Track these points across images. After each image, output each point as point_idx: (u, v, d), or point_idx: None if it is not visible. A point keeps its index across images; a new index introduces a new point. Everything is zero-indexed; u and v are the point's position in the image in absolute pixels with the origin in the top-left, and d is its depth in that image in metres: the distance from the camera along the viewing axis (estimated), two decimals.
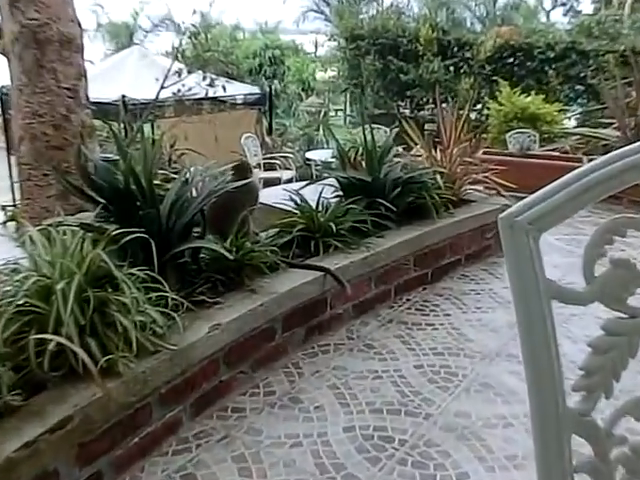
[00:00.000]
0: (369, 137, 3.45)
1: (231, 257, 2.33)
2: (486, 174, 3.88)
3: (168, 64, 6.17)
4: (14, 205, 4.74)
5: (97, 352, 1.70)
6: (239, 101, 9.40)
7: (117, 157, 2.79)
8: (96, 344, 1.72)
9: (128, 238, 2.05)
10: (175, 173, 3.29)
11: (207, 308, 2.21)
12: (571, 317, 2.68)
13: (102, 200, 2.32)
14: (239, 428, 2.05)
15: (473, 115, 8.33)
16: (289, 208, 3.10)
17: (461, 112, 4.21)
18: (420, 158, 4.03)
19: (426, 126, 7.96)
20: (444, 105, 7.73)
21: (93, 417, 1.67)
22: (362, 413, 2.13)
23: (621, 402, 0.78)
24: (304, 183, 3.52)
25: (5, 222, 4.59)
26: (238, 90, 9.51)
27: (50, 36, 3.31)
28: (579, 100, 9.12)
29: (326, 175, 3.71)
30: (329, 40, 12.42)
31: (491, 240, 3.64)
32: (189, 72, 6.21)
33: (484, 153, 5.16)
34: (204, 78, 6.52)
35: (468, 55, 9.41)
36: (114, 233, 2.02)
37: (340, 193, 3.38)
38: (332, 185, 3.42)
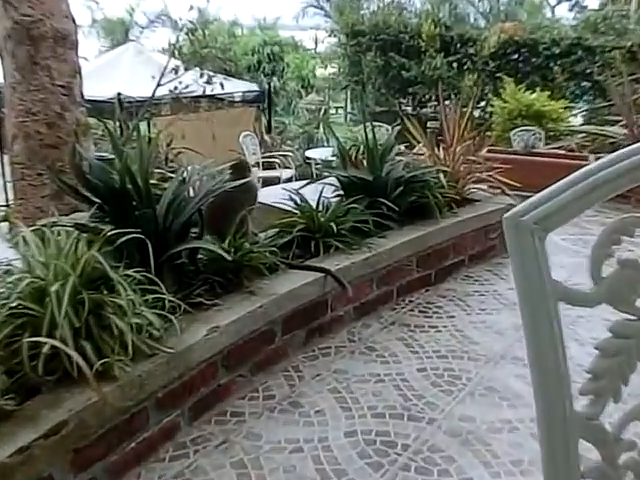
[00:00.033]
0: (370, 135, 3.45)
1: (229, 258, 2.33)
2: (490, 173, 3.88)
3: (165, 61, 6.17)
4: (7, 205, 4.74)
5: (92, 355, 1.70)
6: (237, 99, 9.40)
7: (112, 156, 2.79)
8: (91, 347, 1.72)
9: (124, 239, 2.05)
10: (172, 172, 3.28)
11: (205, 310, 2.21)
12: (578, 319, 2.68)
13: (97, 200, 2.33)
14: (238, 433, 2.04)
15: (477, 112, 8.32)
16: (289, 208, 3.09)
17: (464, 109, 4.20)
18: (422, 157, 4.04)
19: (429, 124, 7.98)
20: (447, 102, 7.73)
21: (88, 422, 1.67)
22: (364, 417, 2.12)
23: (630, 406, 0.78)
24: (304, 182, 3.52)
25: None
26: (236, 87, 9.51)
27: (44, 32, 3.31)
28: (585, 97, 9.12)
29: (326, 174, 3.70)
30: (329, 36, 12.42)
31: (495, 240, 3.64)
32: (186, 69, 6.21)
33: (488, 151, 5.16)
34: (201, 75, 6.51)
35: (471, 51, 9.41)
36: (110, 234, 2.02)
37: (341, 192, 3.38)
38: (333, 184, 3.42)
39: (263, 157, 8.65)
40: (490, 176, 3.88)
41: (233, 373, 2.24)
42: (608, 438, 0.77)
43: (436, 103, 9.38)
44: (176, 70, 5.97)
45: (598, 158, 0.81)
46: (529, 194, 0.79)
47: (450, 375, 2.41)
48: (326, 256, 2.80)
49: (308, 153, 9.14)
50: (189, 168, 2.78)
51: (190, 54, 6.73)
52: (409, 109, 10.04)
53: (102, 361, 1.70)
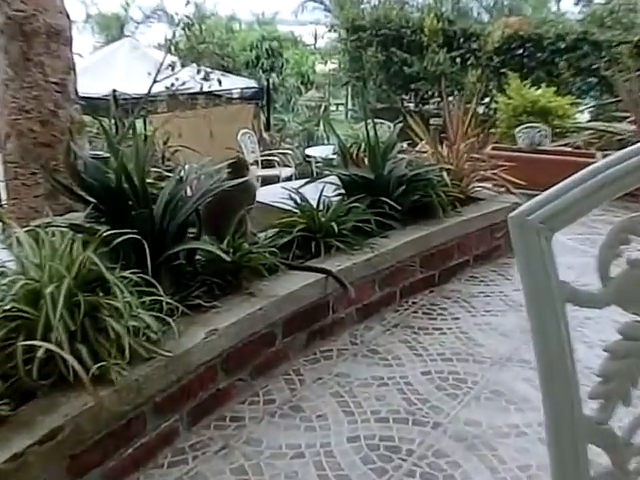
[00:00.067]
0: (372, 132, 3.45)
1: (228, 259, 2.33)
2: (495, 171, 3.88)
3: (161, 57, 6.18)
4: (0, 205, 4.75)
5: (88, 359, 1.70)
6: (235, 95, 9.41)
7: (108, 154, 2.79)
8: (87, 351, 1.72)
9: (120, 239, 2.05)
10: (169, 171, 3.29)
11: (203, 312, 2.21)
12: (586, 320, 2.67)
13: (92, 199, 2.33)
14: (238, 438, 2.04)
15: (481, 109, 8.33)
16: (288, 207, 3.10)
17: (468, 106, 4.21)
18: (425, 154, 4.03)
19: (431, 121, 7.97)
20: (450, 99, 7.73)
21: (84, 427, 1.67)
22: (367, 422, 2.12)
23: None
24: (304, 181, 3.52)
25: None
26: (234, 84, 9.52)
27: (37, 28, 3.31)
28: (592, 93, 9.12)
29: (327, 172, 3.70)
30: (329, 31, 12.41)
31: (501, 240, 3.64)
32: (183, 65, 6.22)
33: (493, 149, 5.16)
34: (198, 71, 6.52)
35: (475, 46, 9.41)
36: (105, 234, 2.02)
37: (342, 191, 3.38)
38: (333, 183, 3.42)
39: (262, 155, 8.65)
40: (495, 174, 3.88)
41: (233, 377, 2.24)
42: (618, 442, 0.77)
43: (439, 99, 9.38)
44: (172, 66, 5.98)
45: (605, 155, 0.81)
46: (535, 193, 0.79)
47: (455, 378, 2.41)
48: (327, 257, 2.80)
49: (308, 151, 9.14)
50: (186, 167, 2.78)
51: (187, 50, 6.74)
52: (411, 106, 10.03)
53: (98, 365, 1.70)
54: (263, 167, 8.43)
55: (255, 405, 2.23)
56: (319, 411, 2.19)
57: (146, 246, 2.07)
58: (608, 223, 0.78)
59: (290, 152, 9.06)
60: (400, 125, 3.97)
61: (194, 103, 8.24)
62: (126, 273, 1.96)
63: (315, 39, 17.11)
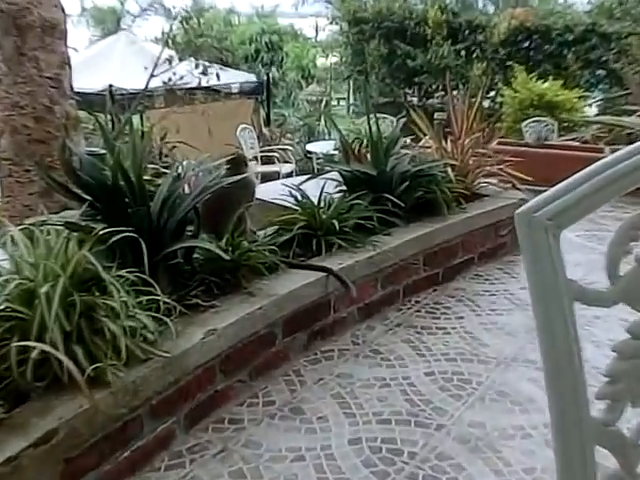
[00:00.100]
0: (374, 127, 3.44)
1: (227, 257, 2.33)
2: (501, 166, 3.88)
3: (158, 51, 6.18)
4: None
5: (84, 360, 1.70)
6: (234, 90, 9.42)
7: (104, 151, 2.79)
8: (83, 352, 1.72)
9: (116, 238, 2.05)
10: (166, 168, 3.29)
11: (202, 312, 2.21)
12: (594, 319, 2.67)
13: (88, 197, 2.33)
14: (236, 441, 2.05)
15: (486, 103, 8.32)
16: (289, 204, 3.10)
17: (473, 100, 4.20)
18: (429, 150, 4.03)
19: (436, 115, 7.93)
20: (455, 92, 7.71)
21: (80, 430, 1.67)
22: (369, 424, 2.12)
23: None
24: (305, 177, 3.52)
25: None
26: (233, 78, 9.53)
27: (31, 22, 3.31)
28: (600, 86, 9.11)
29: (328, 169, 3.70)
30: (330, 24, 12.41)
31: (507, 237, 3.63)
32: (180, 59, 6.23)
33: (498, 144, 5.15)
34: (196, 66, 6.52)
35: (480, 38, 9.41)
36: (101, 232, 2.02)
37: (343, 188, 3.37)
38: (335, 179, 3.41)
39: (261, 151, 8.65)
40: (500, 170, 3.87)
41: (231, 378, 2.24)
42: (626, 444, 0.77)
43: (443, 93, 9.37)
44: (170, 60, 5.98)
45: (614, 150, 0.81)
46: (542, 188, 0.78)
47: (459, 379, 2.41)
48: (328, 255, 2.80)
49: (309, 147, 9.15)
50: (184, 163, 2.78)
51: (184, 44, 6.75)
52: (415, 100, 10.04)
53: (94, 366, 1.70)
54: (263, 163, 8.43)
55: (254, 407, 2.23)
56: (320, 413, 2.19)
57: (143, 244, 2.06)
58: (617, 219, 0.78)
59: (290, 148, 9.07)
60: (403, 120, 3.97)
61: (192, 98, 8.26)
62: (123, 272, 1.96)
63: (316, 32, 17.10)
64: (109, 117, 5.49)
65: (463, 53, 9.50)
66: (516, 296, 3.15)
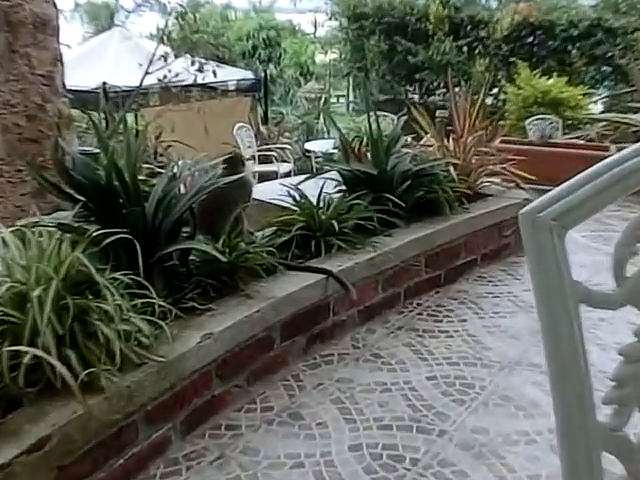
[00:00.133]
0: (374, 125, 3.45)
1: (224, 259, 2.33)
2: (504, 165, 3.88)
3: (153, 47, 6.18)
4: None
5: (77, 365, 1.70)
6: (231, 87, 9.41)
7: (97, 150, 2.79)
8: (76, 356, 1.71)
9: (110, 239, 2.05)
10: (161, 167, 3.29)
11: (198, 315, 2.21)
12: (600, 322, 2.67)
13: (81, 198, 2.33)
14: (234, 448, 2.04)
15: (489, 100, 8.33)
16: (287, 205, 3.10)
17: (476, 97, 4.20)
18: (431, 148, 4.03)
19: (437, 113, 7.96)
20: (457, 89, 7.72)
21: (73, 437, 1.67)
22: (369, 430, 2.12)
23: None
24: (303, 177, 3.52)
25: None
26: (230, 75, 9.52)
27: (23, 18, 3.31)
28: (606, 82, 9.13)
29: (327, 168, 3.70)
30: (329, 19, 12.43)
31: (510, 238, 3.64)
32: (176, 56, 6.22)
33: (501, 142, 5.16)
34: (192, 63, 6.52)
35: (483, 34, 9.42)
36: (95, 234, 2.02)
37: (343, 188, 3.38)
38: (334, 179, 3.42)
39: (259, 150, 8.66)
40: (504, 169, 3.87)
41: (228, 383, 2.24)
42: (633, 450, 0.77)
43: (445, 90, 9.39)
44: (165, 57, 5.98)
45: (620, 148, 0.81)
46: (546, 188, 0.78)
47: (462, 383, 2.41)
48: (328, 256, 2.80)
49: (307, 145, 9.16)
50: (180, 163, 2.78)
51: (180, 40, 6.74)
52: (416, 97, 10.05)
53: (87, 371, 1.70)
54: (260, 163, 8.44)
55: (252, 413, 2.23)
56: (319, 418, 2.19)
57: (138, 246, 2.06)
58: (624, 219, 0.78)
59: (289, 147, 9.07)
60: (404, 118, 3.97)
61: (188, 96, 8.25)
62: (117, 275, 1.96)
63: (315, 28, 17.10)
64: (103, 115, 5.50)
65: (465, 49, 9.52)
66: (520, 298, 3.15)
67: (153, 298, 1.99)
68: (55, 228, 2.09)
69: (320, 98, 12.64)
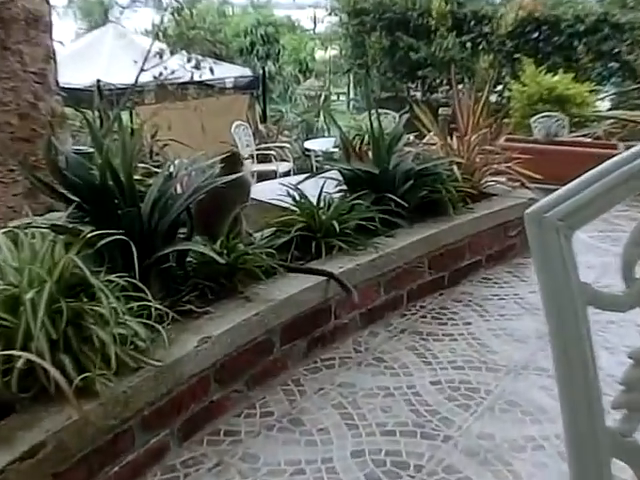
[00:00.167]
0: (376, 124, 3.45)
1: (222, 261, 2.33)
2: (509, 164, 3.88)
3: (148, 44, 6.19)
4: None
5: (71, 370, 1.70)
6: (229, 85, 9.43)
7: (92, 149, 2.79)
8: (70, 361, 1.72)
9: (105, 241, 2.05)
10: (157, 167, 3.29)
11: (195, 319, 2.21)
12: (608, 325, 2.67)
13: (75, 198, 2.33)
14: (233, 454, 2.04)
15: (493, 97, 8.34)
16: (286, 205, 3.10)
17: (480, 94, 4.20)
18: (434, 147, 4.04)
19: (440, 110, 7.96)
20: (460, 86, 7.73)
21: (68, 443, 1.67)
22: (372, 436, 2.12)
23: None
24: (303, 176, 3.52)
25: None
26: (227, 72, 9.54)
27: (15, 14, 3.31)
28: (613, 79, 9.13)
29: (328, 167, 3.70)
30: (329, 15, 12.43)
31: (516, 239, 3.64)
32: (172, 53, 6.23)
33: (506, 140, 5.16)
34: (189, 59, 6.53)
35: (487, 30, 9.43)
36: (89, 235, 2.02)
37: (344, 187, 3.38)
38: (335, 178, 3.42)
39: (258, 149, 8.66)
40: (509, 167, 3.88)
41: (227, 388, 2.24)
42: None
43: (448, 87, 9.38)
44: (161, 54, 5.99)
45: (629, 147, 0.81)
46: (553, 187, 0.78)
47: (467, 388, 2.41)
48: (328, 258, 2.80)
49: (307, 144, 9.16)
50: (176, 162, 2.78)
51: (176, 36, 6.76)
52: (418, 94, 10.05)
53: (82, 376, 1.70)
54: (259, 162, 8.44)
55: (251, 418, 2.23)
56: (320, 424, 2.19)
57: (133, 248, 2.06)
58: (632, 219, 0.78)
59: (288, 145, 9.08)
60: (406, 115, 3.97)
61: (184, 93, 8.26)
62: (112, 277, 1.96)
63: (314, 23, 17.11)
64: (97, 114, 5.50)
65: (469, 45, 9.52)
66: (526, 300, 3.15)
67: (149, 301, 2.00)
68: (48, 229, 2.09)
69: (320, 95, 12.65)
